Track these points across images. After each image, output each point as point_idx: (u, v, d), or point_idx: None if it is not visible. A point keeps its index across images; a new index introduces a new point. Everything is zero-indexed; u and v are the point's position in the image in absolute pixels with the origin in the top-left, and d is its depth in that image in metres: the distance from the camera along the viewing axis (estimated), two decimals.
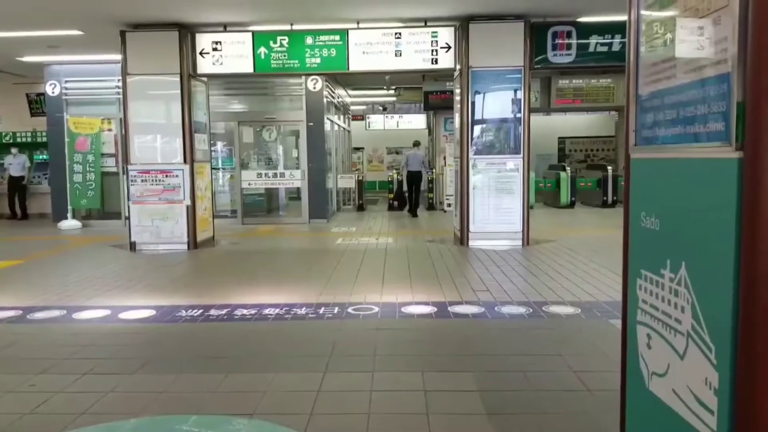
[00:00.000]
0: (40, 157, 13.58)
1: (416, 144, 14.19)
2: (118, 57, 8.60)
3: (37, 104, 13.42)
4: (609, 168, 14.13)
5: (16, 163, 12.62)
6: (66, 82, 11.65)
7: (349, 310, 4.95)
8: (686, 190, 1.79)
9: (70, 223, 11.26)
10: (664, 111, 1.96)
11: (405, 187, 13.99)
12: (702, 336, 1.66)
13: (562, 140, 17.92)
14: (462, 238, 8.39)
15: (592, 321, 4.52)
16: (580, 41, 8.14)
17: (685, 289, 1.77)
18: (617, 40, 8.03)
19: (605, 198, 13.91)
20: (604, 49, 8.12)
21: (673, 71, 1.93)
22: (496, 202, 8.28)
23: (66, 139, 11.27)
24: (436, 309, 4.92)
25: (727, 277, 1.54)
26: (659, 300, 1.92)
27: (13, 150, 12.70)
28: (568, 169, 14.29)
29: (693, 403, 1.70)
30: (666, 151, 1.94)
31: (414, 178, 13.51)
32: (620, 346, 2.20)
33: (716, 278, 1.60)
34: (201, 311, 4.97)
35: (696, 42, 1.80)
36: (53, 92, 11.73)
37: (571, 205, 13.94)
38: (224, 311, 4.96)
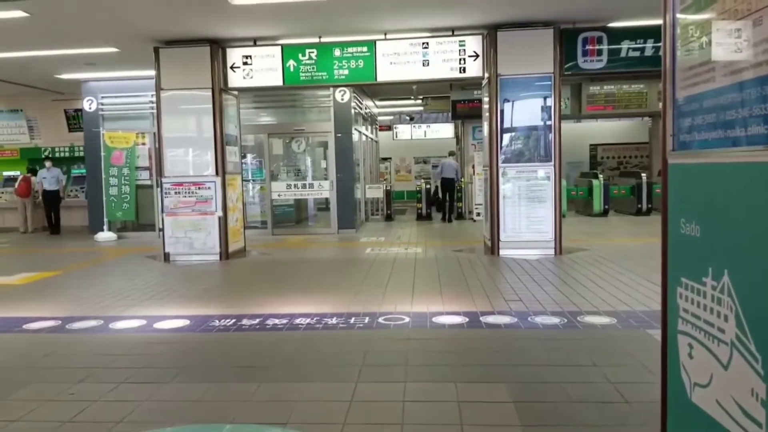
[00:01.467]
0: (78, 171, 13.95)
1: (451, 153, 15.00)
2: (152, 73, 8.81)
3: (74, 120, 13.80)
4: (643, 175, 13.86)
5: (50, 177, 12.59)
6: (102, 98, 11.98)
7: (380, 319, 4.93)
8: (728, 195, 1.74)
9: (106, 235, 11.52)
10: (703, 115, 1.92)
11: (439, 194, 14.49)
12: (747, 345, 1.61)
13: (593, 147, 17.69)
14: (492, 248, 8.32)
15: (629, 331, 4.42)
16: (611, 47, 8.03)
17: (728, 297, 1.71)
18: (650, 44, 7.90)
19: (640, 206, 13.65)
20: (636, 54, 7.99)
21: (711, 74, 1.89)
22: (526, 210, 8.19)
23: (102, 154, 11.57)
24: (467, 319, 4.88)
25: None
26: (701, 309, 1.87)
27: (47, 163, 12.73)
28: (600, 176, 14.07)
29: (739, 416, 1.64)
30: (706, 155, 1.90)
31: (447, 185, 13.91)
32: (659, 356, 2.15)
33: (761, 286, 1.55)
34: (234, 321, 5.02)
35: (735, 44, 1.76)
36: (90, 108, 12.07)
37: (605, 213, 13.71)
38: (256, 321, 5.00)
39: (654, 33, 7.79)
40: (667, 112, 2.12)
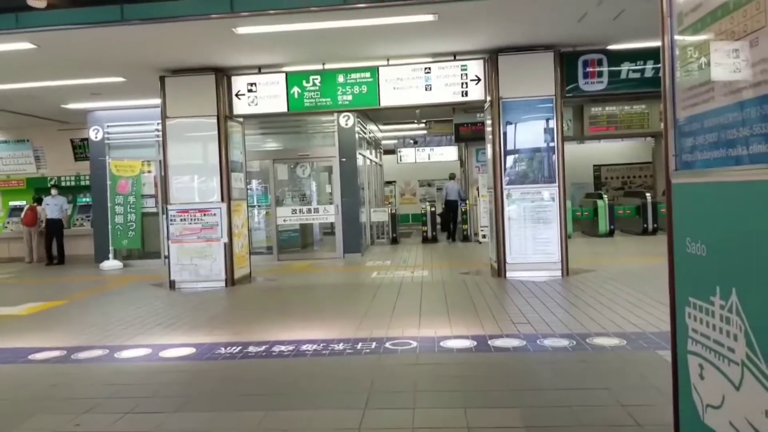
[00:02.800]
0: (83, 199, 14.02)
1: (452, 176, 15.63)
2: (158, 101, 8.93)
3: (80, 149, 13.93)
4: (648, 195, 13.85)
5: (53, 205, 12.45)
6: (108, 127, 12.11)
7: (387, 344, 4.90)
8: (732, 213, 1.74)
9: (111, 264, 11.53)
10: (705, 135, 1.93)
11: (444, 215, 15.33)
12: (758, 365, 1.59)
13: (597, 168, 17.72)
14: (499, 270, 8.29)
15: (638, 352, 4.37)
16: (611, 68, 8.10)
17: (736, 316, 1.70)
18: (650, 66, 7.96)
19: (645, 225, 13.61)
20: (637, 75, 8.05)
21: (711, 94, 1.90)
22: (532, 232, 8.18)
23: (108, 182, 11.64)
24: (475, 343, 4.84)
25: None
26: (710, 328, 1.85)
27: (53, 191, 12.66)
28: (605, 196, 14.06)
29: None
30: (709, 174, 1.90)
31: (451, 206, 14.81)
32: (670, 377, 2.13)
33: None
34: (240, 348, 5.00)
35: (734, 64, 1.77)
36: (96, 137, 12.19)
37: (610, 233, 13.67)
38: (262, 348, 4.97)
39: (653, 55, 7.86)
40: (669, 132, 2.13)
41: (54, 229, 12.64)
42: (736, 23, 1.72)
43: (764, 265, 1.57)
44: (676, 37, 2.10)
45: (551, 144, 8.15)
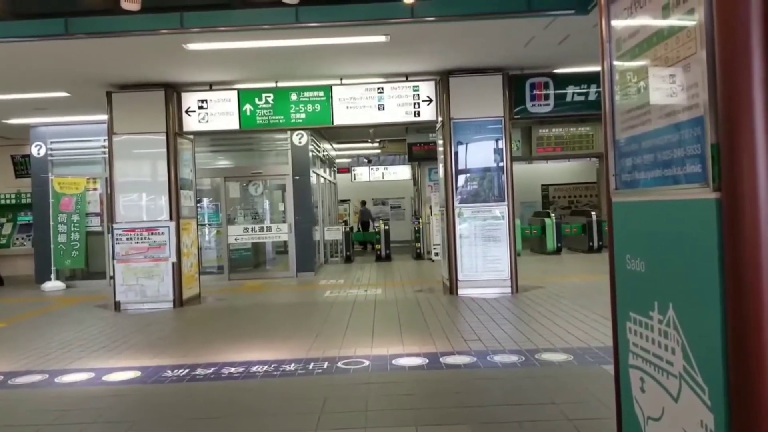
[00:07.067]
0: (24, 218, 13.45)
1: (363, 203, 19.65)
2: (104, 117, 8.68)
3: (21, 165, 13.39)
4: (593, 213, 14.29)
5: None
6: (52, 143, 11.68)
7: (339, 364, 4.86)
8: (669, 231, 1.82)
9: (53, 285, 11.06)
10: (642, 155, 2.01)
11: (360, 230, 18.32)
12: (694, 377, 1.65)
13: (545, 187, 18.20)
14: (451, 287, 8.36)
15: (585, 367, 4.47)
16: (557, 91, 8.36)
17: (674, 330, 1.77)
18: (593, 89, 8.27)
19: (591, 243, 14.01)
20: (581, 98, 8.34)
21: (647, 117, 1.99)
22: (483, 250, 8.30)
23: (51, 200, 11.20)
24: (427, 360, 4.85)
25: (714, 316, 1.55)
26: (649, 342, 1.92)
27: None
28: (552, 215, 14.43)
29: None
30: (646, 193, 1.98)
31: (366, 225, 18.16)
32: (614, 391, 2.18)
33: (704, 318, 1.60)
34: (187, 371, 4.86)
35: (668, 88, 1.86)
36: (39, 153, 11.74)
37: (558, 251, 14.01)
38: (211, 370, 4.85)
39: (596, 78, 8.15)
40: (609, 153, 2.21)
41: None
42: (670, 49, 1.81)
43: (699, 280, 1.64)
44: (615, 62, 2.20)
45: (501, 164, 8.33)
